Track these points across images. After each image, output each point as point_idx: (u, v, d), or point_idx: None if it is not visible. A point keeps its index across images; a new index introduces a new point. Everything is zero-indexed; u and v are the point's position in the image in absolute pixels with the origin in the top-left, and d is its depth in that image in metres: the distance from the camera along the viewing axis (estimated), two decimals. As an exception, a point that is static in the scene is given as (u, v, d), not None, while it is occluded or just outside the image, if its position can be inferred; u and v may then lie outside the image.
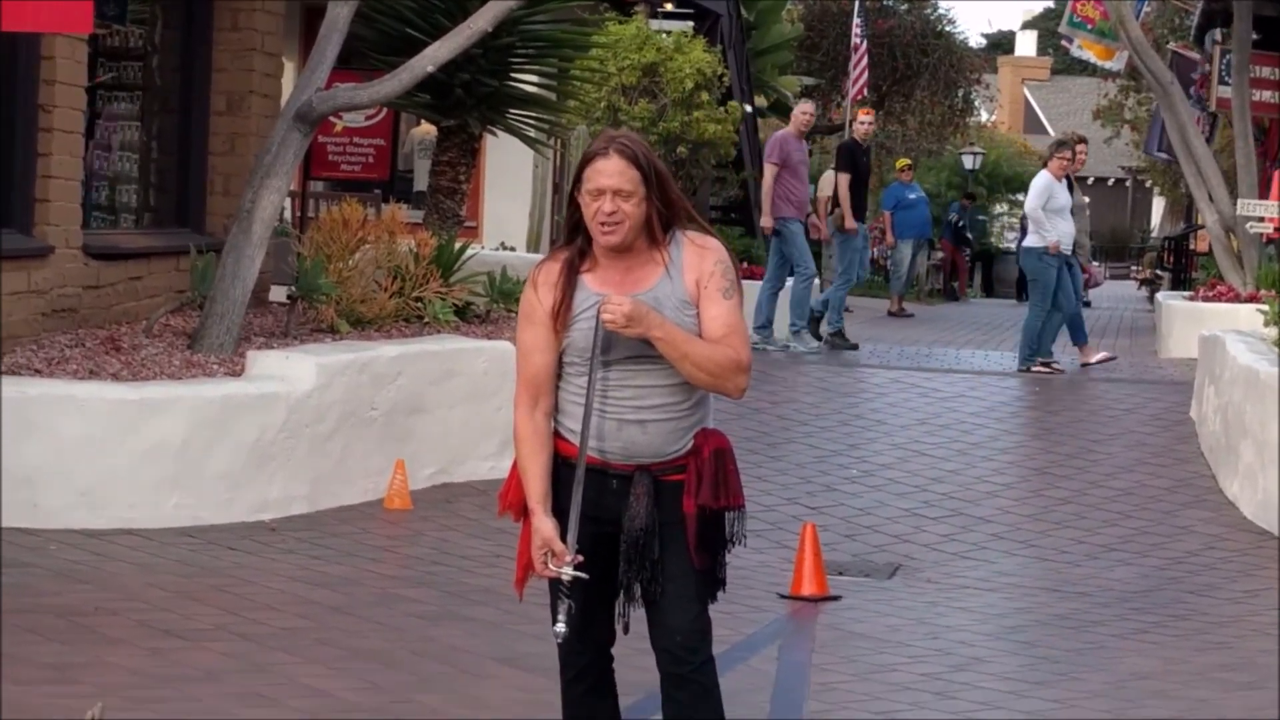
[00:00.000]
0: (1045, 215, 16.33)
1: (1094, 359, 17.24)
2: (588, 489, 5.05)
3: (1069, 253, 16.52)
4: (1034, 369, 16.56)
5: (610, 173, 5.00)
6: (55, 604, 7.84)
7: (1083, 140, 17.95)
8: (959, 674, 7.84)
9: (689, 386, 5.09)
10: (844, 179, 18.54)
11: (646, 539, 5.09)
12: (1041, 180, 16.62)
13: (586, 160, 5.06)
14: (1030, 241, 16.62)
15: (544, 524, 5.04)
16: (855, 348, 18.49)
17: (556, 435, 5.15)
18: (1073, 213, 16.53)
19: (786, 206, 17.56)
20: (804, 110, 18.34)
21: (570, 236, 5.16)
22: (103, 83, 12.74)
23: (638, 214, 5.02)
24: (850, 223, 18.34)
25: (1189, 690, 7.71)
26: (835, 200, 18.76)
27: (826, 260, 27.37)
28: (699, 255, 5.11)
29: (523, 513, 5.15)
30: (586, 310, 5.05)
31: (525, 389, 5.13)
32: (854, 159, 18.79)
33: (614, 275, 5.09)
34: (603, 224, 5.02)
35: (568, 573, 4.98)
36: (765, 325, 17.82)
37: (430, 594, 8.65)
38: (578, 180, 5.09)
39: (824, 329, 18.67)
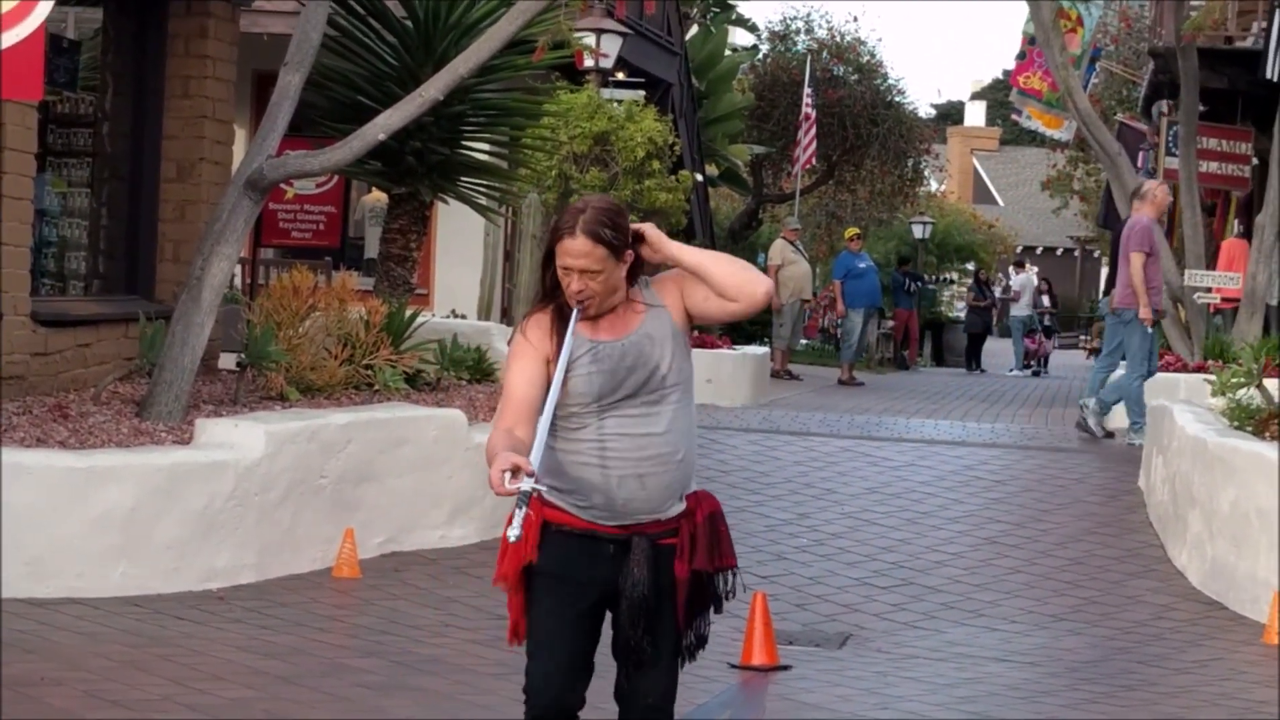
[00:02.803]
0: None
1: None
2: (580, 554, 5.19)
3: None
4: None
5: (576, 254, 5.14)
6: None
7: None
8: (909, 745, 7.83)
9: (681, 435, 5.22)
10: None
11: (648, 604, 5.21)
12: None
13: (555, 235, 5.19)
14: None
15: (510, 452, 4.85)
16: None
17: (547, 505, 5.20)
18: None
19: (1134, 295, 16.01)
20: (1168, 193, 16.71)
21: (552, 294, 5.27)
22: (53, 149, 12.72)
23: (606, 288, 5.20)
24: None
25: (1139, 761, 7.72)
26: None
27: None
28: (661, 285, 5.33)
29: (515, 582, 5.24)
30: (582, 356, 5.18)
31: (503, 421, 5.11)
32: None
33: (603, 324, 5.24)
34: (575, 299, 5.19)
35: (527, 485, 4.80)
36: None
37: (379, 664, 8.59)
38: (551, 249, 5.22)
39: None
